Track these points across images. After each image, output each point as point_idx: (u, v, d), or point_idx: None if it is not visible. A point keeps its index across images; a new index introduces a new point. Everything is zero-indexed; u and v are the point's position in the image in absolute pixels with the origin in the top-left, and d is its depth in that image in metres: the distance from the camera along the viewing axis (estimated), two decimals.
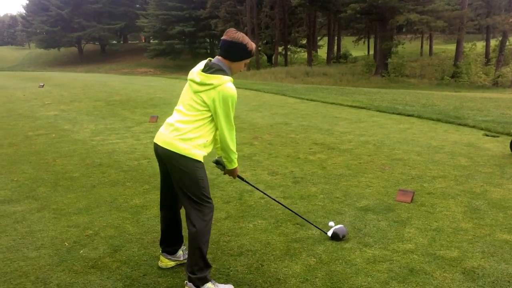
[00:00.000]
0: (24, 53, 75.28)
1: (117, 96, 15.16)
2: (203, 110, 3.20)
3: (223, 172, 3.64)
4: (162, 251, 3.74)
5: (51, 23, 62.91)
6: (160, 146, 3.28)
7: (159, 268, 3.71)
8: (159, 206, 3.67)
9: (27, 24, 69.51)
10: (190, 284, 3.30)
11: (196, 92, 3.21)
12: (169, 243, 3.71)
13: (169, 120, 3.35)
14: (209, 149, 3.34)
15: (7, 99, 14.99)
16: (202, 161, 3.28)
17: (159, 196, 3.65)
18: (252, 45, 3.30)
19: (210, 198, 3.36)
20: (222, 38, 3.29)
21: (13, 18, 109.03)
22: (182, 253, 3.77)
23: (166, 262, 3.73)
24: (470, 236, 4.25)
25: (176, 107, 3.38)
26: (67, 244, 4.14)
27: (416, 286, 3.39)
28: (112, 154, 7.47)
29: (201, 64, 3.29)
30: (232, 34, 3.25)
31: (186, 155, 3.19)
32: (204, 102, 3.18)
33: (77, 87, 18.67)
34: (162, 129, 3.36)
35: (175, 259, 3.74)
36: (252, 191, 5.49)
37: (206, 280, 3.31)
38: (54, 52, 68.52)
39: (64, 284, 3.45)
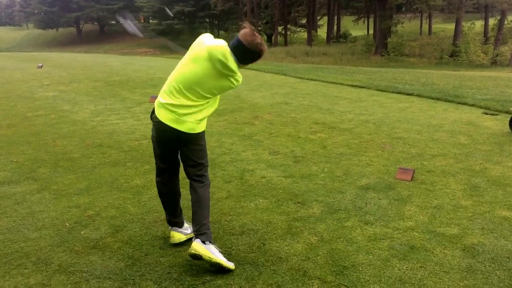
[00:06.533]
0: (22, 34, 74.53)
1: (117, 77, 15.07)
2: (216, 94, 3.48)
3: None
4: (172, 227, 3.75)
5: (49, 3, 62.10)
6: (175, 128, 3.31)
7: (161, 247, 3.71)
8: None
9: (25, 4, 68.60)
10: (197, 240, 3.32)
11: (225, 75, 3.40)
12: (176, 213, 3.74)
13: (175, 101, 3.30)
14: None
15: (5, 80, 14.90)
16: None
17: None
18: (264, 49, 3.29)
19: None
20: (240, 39, 3.21)
21: None
22: (188, 225, 3.79)
23: (178, 236, 3.73)
24: (470, 213, 4.26)
25: (180, 87, 3.29)
26: (68, 225, 4.15)
27: (417, 263, 3.41)
28: (112, 134, 7.46)
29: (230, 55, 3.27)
30: (253, 40, 3.20)
31: (201, 131, 3.47)
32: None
33: (76, 67, 18.55)
34: (169, 109, 3.30)
35: (185, 232, 3.75)
36: (253, 170, 5.50)
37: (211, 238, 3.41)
38: (53, 32, 67.82)
39: (66, 265, 3.46)
